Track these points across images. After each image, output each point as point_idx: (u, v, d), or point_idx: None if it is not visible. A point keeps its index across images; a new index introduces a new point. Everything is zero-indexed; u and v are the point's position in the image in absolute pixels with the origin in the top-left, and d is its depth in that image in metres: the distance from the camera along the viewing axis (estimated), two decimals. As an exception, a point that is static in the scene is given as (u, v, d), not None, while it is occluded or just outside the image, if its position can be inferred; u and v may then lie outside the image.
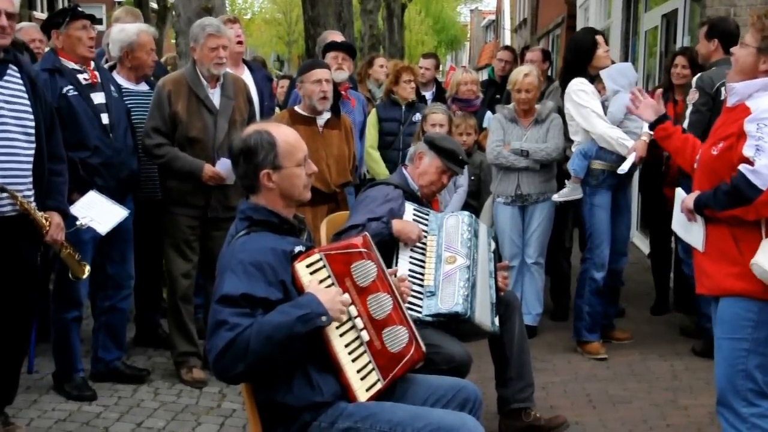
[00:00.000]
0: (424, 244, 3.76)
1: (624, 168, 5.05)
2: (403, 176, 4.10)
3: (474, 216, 3.94)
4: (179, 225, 4.75)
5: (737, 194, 3.08)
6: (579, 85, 5.28)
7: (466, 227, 3.81)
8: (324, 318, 2.59)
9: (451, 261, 3.68)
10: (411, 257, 3.69)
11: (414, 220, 3.80)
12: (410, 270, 3.65)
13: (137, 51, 5.02)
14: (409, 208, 3.86)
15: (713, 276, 3.24)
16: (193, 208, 4.74)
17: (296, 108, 5.01)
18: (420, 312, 3.53)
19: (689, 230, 3.38)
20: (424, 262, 3.71)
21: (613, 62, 5.56)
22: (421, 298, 3.57)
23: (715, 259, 3.23)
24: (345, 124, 5.10)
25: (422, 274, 3.66)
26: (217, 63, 4.69)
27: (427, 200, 4.10)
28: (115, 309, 4.76)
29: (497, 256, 4.04)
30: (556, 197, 5.49)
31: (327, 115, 4.97)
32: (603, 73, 5.24)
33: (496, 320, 3.78)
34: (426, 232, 3.80)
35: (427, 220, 3.85)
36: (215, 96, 4.75)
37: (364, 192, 4.04)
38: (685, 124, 5.01)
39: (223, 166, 4.59)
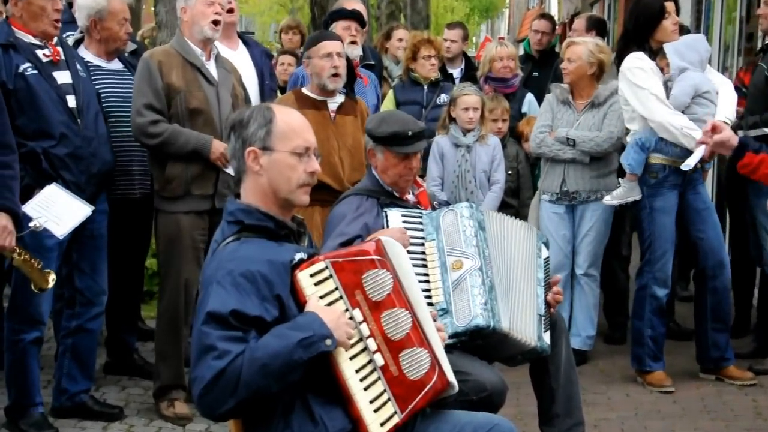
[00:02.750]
0: (423, 253, 3.75)
1: (689, 164, 4.96)
2: (374, 178, 4.07)
3: (474, 205, 3.94)
4: (183, 226, 4.73)
5: None
6: (635, 62, 5.26)
7: (468, 220, 3.79)
8: (329, 341, 2.62)
9: (458, 266, 3.68)
10: None
11: (405, 228, 3.77)
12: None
13: (107, 20, 5.07)
14: (395, 215, 3.83)
15: None
16: (199, 200, 4.73)
17: (303, 89, 5.05)
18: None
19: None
20: (427, 275, 3.69)
21: (687, 32, 5.52)
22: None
23: None
24: (361, 108, 5.13)
25: (429, 290, 3.65)
26: (213, 21, 4.74)
27: (412, 195, 4.08)
28: (84, 330, 4.80)
29: (548, 264, 4.03)
30: (608, 199, 5.45)
31: (340, 98, 5.01)
32: (668, 47, 5.22)
33: (546, 336, 3.79)
34: (422, 237, 3.78)
35: (420, 224, 3.83)
36: (211, 67, 4.82)
37: (333, 208, 4.04)
38: None
39: None
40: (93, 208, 4.54)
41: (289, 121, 2.84)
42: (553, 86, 5.84)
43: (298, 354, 2.57)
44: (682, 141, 5.11)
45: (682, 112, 5.18)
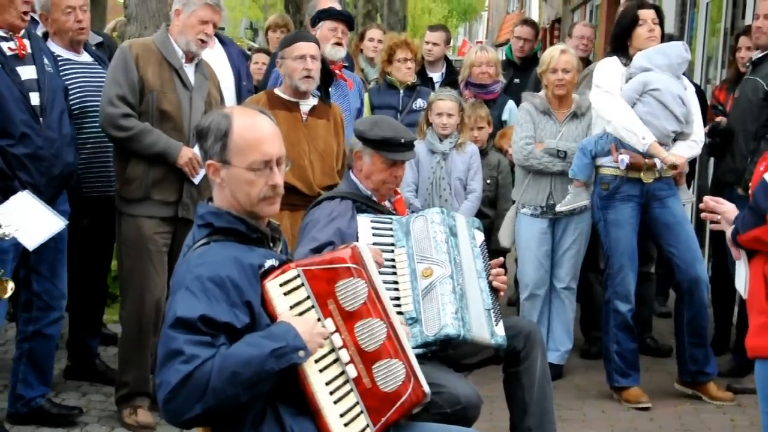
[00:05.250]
0: (393, 260, 3.76)
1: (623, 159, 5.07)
2: (352, 182, 4.10)
3: (445, 210, 3.95)
4: (144, 230, 4.71)
5: (755, 207, 3.14)
6: (600, 64, 5.38)
7: (438, 226, 3.80)
8: (302, 353, 2.62)
9: (428, 274, 3.69)
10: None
11: (373, 234, 3.80)
12: None
13: (52, 11, 5.04)
14: (364, 221, 3.85)
15: (750, 330, 3.31)
16: (160, 206, 4.72)
17: (276, 90, 5.06)
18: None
19: (738, 271, 3.43)
20: (396, 282, 3.70)
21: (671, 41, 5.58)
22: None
23: (750, 307, 3.29)
24: (335, 113, 5.14)
25: (398, 298, 3.65)
26: (201, 40, 4.76)
27: (390, 203, 4.10)
28: (42, 335, 4.76)
29: (485, 250, 4.02)
30: (558, 207, 5.53)
31: (313, 101, 5.03)
32: (639, 53, 5.28)
33: (498, 329, 3.78)
34: (392, 244, 3.79)
35: (390, 230, 3.84)
36: (189, 71, 4.81)
37: (307, 214, 4.06)
38: None
39: None
40: (66, 222, 4.51)
41: (246, 134, 2.78)
42: (528, 95, 5.83)
43: (269, 364, 2.57)
44: (624, 137, 5.15)
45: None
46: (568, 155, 5.51)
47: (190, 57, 4.81)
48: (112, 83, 4.68)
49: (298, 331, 2.63)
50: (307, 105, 5.00)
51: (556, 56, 5.58)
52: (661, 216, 5.35)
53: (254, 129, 2.80)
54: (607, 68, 5.34)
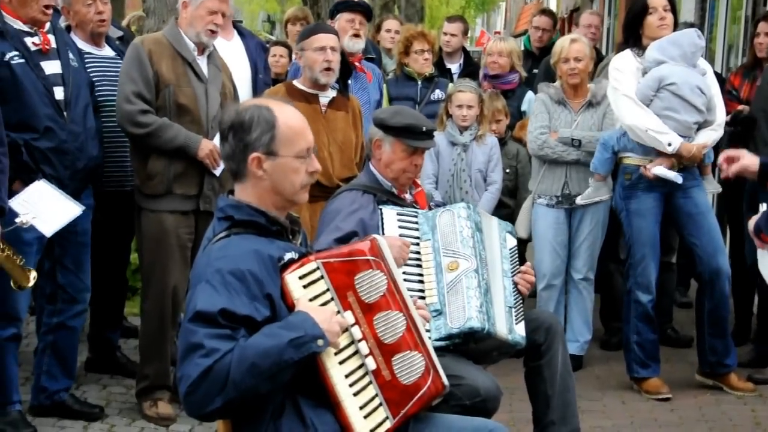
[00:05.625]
0: (418, 252, 3.78)
1: (664, 174, 5.05)
2: (371, 174, 4.11)
3: (472, 206, 3.97)
4: (166, 225, 4.72)
5: None
6: (615, 62, 5.35)
7: (464, 221, 3.82)
8: (321, 342, 2.64)
9: (454, 267, 3.72)
10: (405, 272, 3.69)
11: (399, 227, 3.82)
12: (407, 289, 3.67)
13: (73, 3, 5.06)
14: (391, 214, 3.87)
15: None
16: (182, 200, 4.74)
17: (295, 82, 5.08)
18: (429, 337, 3.56)
19: (762, 260, 3.41)
20: (421, 275, 3.74)
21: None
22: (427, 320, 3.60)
23: None
24: (353, 105, 5.16)
25: (422, 291, 3.69)
26: (210, 30, 4.75)
27: (410, 194, 4.11)
28: (65, 327, 4.81)
29: (516, 255, 4.05)
30: (578, 199, 5.56)
31: (332, 93, 5.04)
32: (652, 44, 5.24)
33: (518, 328, 3.81)
34: (418, 237, 3.82)
35: (416, 223, 3.87)
36: (202, 63, 4.82)
37: (328, 204, 4.09)
38: None
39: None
40: (83, 208, 4.54)
41: (290, 122, 2.84)
42: (543, 86, 5.83)
43: (288, 354, 2.59)
44: (648, 143, 5.15)
45: (648, 106, 5.18)
46: (583, 144, 5.51)
47: (202, 49, 4.81)
48: (127, 80, 4.69)
49: (316, 319, 2.64)
50: (326, 97, 5.01)
51: (567, 46, 5.59)
52: (684, 206, 5.33)
53: (296, 118, 2.87)
54: (622, 65, 5.30)
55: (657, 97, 5.16)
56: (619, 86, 5.24)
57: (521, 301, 3.93)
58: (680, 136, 5.12)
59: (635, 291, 5.38)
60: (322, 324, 2.65)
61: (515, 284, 3.92)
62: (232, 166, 2.86)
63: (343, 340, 2.74)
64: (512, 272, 3.94)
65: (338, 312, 2.76)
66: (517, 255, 4.05)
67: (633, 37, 5.39)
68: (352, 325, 2.77)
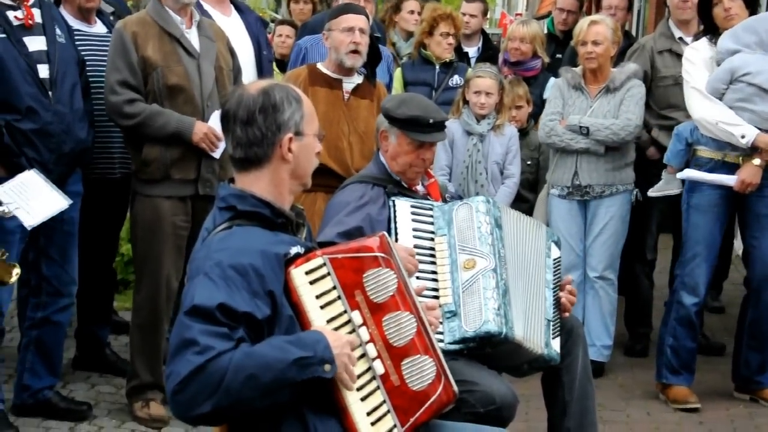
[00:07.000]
0: (432, 248, 3.76)
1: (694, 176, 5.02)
2: (381, 164, 4.07)
3: (492, 200, 3.93)
4: (163, 212, 4.71)
5: None
6: (688, 52, 5.33)
7: (483, 216, 3.79)
8: (328, 367, 2.59)
9: (470, 266, 3.68)
10: (418, 270, 3.66)
11: (413, 220, 3.79)
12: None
13: None
14: (404, 206, 3.84)
15: None
16: (180, 185, 4.71)
17: (319, 65, 5.04)
18: (441, 340, 3.53)
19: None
20: (435, 273, 3.70)
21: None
22: (441, 322, 3.57)
23: None
24: (379, 93, 5.12)
25: (436, 290, 3.66)
26: None
27: (422, 186, 4.07)
28: (50, 322, 4.80)
29: (560, 267, 4.04)
30: (650, 192, 5.56)
31: (357, 79, 5.01)
32: (725, 34, 5.19)
33: (555, 343, 3.79)
34: (432, 232, 3.79)
35: (431, 216, 3.84)
36: (192, 36, 4.77)
37: (335, 195, 4.05)
38: None
39: (217, 121, 4.58)
40: (70, 201, 4.51)
41: (308, 101, 2.87)
42: (563, 70, 5.81)
43: (291, 372, 2.54)
44: (720, 136, 5.09)
45: (720, 99, 5.12)
46: (591, 132, 5.48)
47: (190, 18, 4.76)
48: (111, 69, 4.66)
49: (330, 343, 2.60)
50: (350, 83, 4.98)
51: (585, 28, 5.56)
52: (754, 205, 5.23)
53: (306, 97, 2.90)
54: (693, 56, 5.27)
55: (730, 89, 5.11)
56: (689, 78, 5.22)
57: (559, 317, 3.90)
58: (757, 128, 5.02)
59: (679, 291, 5.32)
60: (335, 349, 2.60)
61: (557, 299, 3.89)
62: (258, 152, 2.80)
63: (350, 368, 2.68)
64: (554, 284, 3.91)
65: (345, 311, 2.72)
66: (560, 267, 4.03)
67: (709, 26, 5.36)
68: (360, 326, 2.73)
